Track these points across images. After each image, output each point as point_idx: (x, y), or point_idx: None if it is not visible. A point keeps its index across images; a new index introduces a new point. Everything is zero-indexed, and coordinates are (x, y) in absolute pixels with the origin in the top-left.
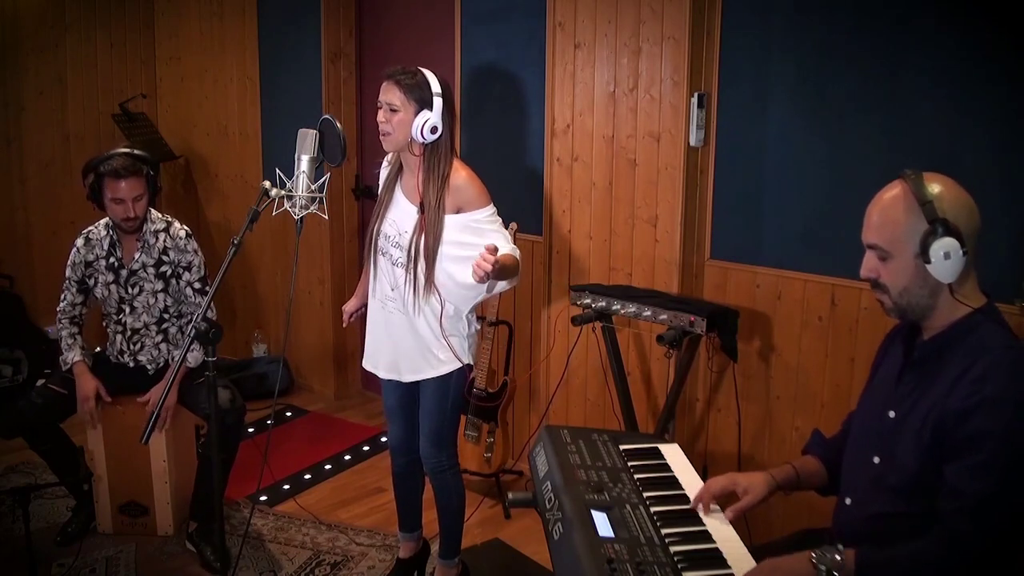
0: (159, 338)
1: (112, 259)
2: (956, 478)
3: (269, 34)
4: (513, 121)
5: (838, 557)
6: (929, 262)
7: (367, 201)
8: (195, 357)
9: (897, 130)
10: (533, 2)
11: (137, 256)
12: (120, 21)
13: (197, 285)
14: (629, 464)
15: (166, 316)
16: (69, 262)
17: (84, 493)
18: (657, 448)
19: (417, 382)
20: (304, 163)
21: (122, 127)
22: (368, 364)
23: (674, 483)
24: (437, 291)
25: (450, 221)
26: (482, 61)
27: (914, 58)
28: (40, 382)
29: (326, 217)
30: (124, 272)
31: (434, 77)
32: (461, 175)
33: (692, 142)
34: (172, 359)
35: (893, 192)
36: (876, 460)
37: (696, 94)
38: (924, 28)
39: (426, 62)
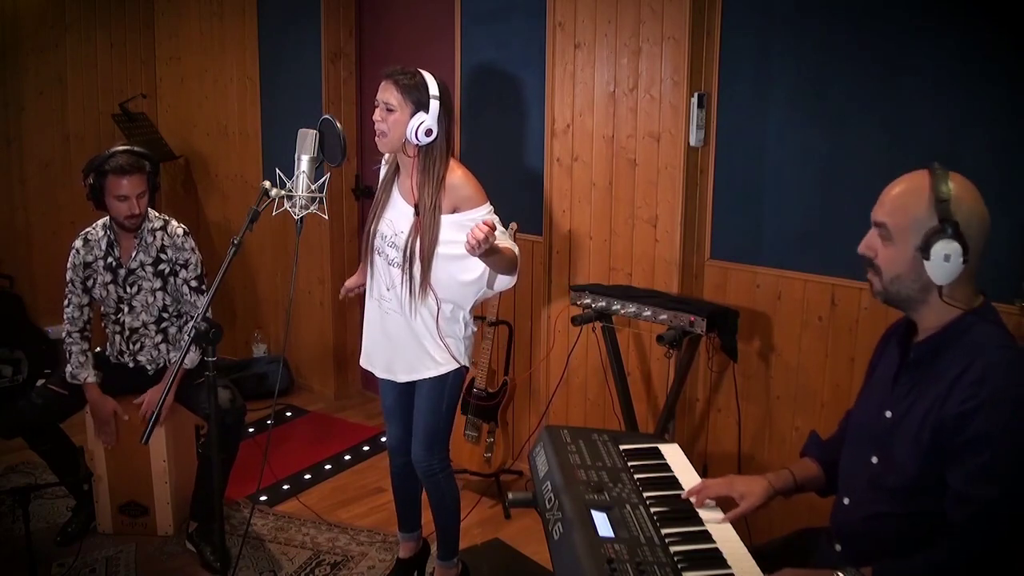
0: (159, 338)
1: (110, 258)
2: (961, 484)
3: (269, 34)
4: (513, 121)
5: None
6: (928, 259)
7: (367, 201)
8: (191, 359)
9: (897, 130)
10: (533, 2)
11: (135, 255)
12: (120, 21)
13: (194, 283)
14: (629, 464)
15: (165, 315)
16: (69, 264)
17: (84, 493)
18: (657, 448)
19: (413, 382)
20: (304, 163)
21: (122, 127)
22: (365, 363)
23: (674, 483)
24: (434, 292)
25: (446, 221)
26: (482, 61)
27: (914, 58)
28: (40, 382)
29: (326, 217)
30: (122, 271)
31: (433, 79)
32: (457, 174)
33: (692, 142)
34: (172, 361)
35: (915, 180)
36: (874, 460)
37: (696, 94)
38: (924, 28)
39: (426, 62)
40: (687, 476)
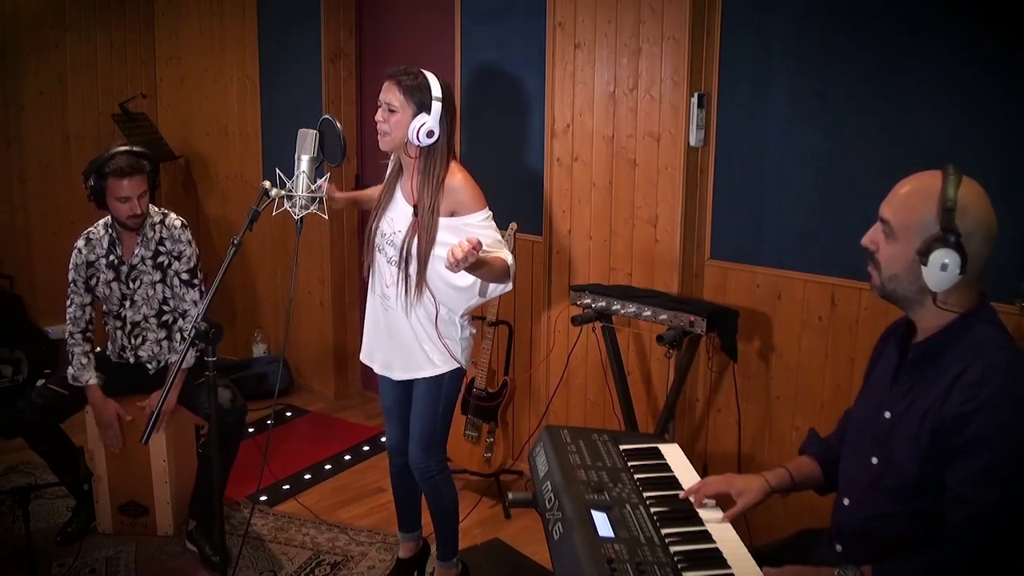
0: (161, 333)
1: (112, 257)
2: (960, 485)
3: (269, 34)
4: (513, 121)
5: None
6: (925, 265)
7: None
8: (188, 360)
9: (897, 130)
10: (533, 2)
11: (136, 251)
12: (120, 21)
13: (185, 276)
14: (629, 464)
15: (166, 308)
16: (72, 264)
17: (84, 493)
18: (657, 448)
19: (411, 382)
20: (304, 163)
21: (122, 127)
22: (364, 358)
23: (674, 483)
24: (430, 293)
25: (443, 224)
26: (482, 61)
27: (914, 58)
28: (40, 382)
29: (326, 217)
30: (124, 268)
31: (436, 80)
32: (457, 178)
33: (692, 142)
34: (172, 361)
35: (926, 181)
36: (874, 461)
37: (696, 94)
38: (924, 28)
39: (426, 62)
40: (687, 476)
